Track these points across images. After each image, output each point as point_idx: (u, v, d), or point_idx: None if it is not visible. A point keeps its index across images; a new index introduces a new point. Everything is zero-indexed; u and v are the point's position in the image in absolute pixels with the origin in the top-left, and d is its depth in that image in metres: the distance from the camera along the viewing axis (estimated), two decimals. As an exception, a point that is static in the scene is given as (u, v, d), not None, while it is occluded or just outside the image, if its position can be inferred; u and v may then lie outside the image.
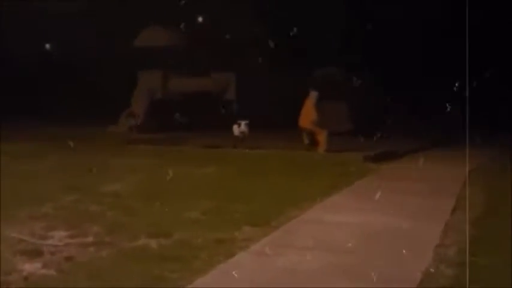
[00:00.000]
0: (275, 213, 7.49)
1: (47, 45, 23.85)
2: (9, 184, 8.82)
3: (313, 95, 15.31)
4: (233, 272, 5.09)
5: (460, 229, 6.98)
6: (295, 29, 16.33)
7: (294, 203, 8.16)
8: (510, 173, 11.32)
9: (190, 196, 8.64)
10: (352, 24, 22.63)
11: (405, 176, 11.53)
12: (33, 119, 20.64)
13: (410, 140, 17.59)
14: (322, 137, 14.82)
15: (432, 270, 5.37)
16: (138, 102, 22.30)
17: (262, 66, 21.14)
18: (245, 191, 9.17)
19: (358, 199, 8.94)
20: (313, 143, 15.05)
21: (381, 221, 7.32)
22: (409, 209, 8.21)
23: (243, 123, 16.04)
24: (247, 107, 19.67)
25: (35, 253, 5.62)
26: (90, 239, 6.16)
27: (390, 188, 9.92)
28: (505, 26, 22.66)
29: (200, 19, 23.52)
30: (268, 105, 20.34)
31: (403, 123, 20.65)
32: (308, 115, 15.02)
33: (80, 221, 6.85)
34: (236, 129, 16.10)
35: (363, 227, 7.01)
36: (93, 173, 10.46)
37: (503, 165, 13.07)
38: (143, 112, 22.05)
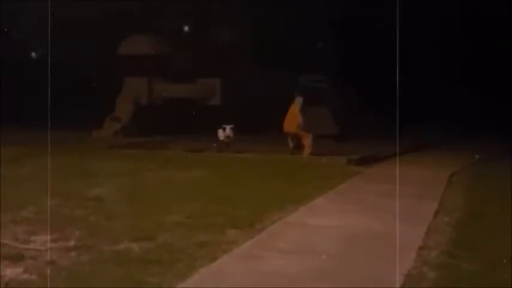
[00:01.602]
0: (259, 216, 7.49)
1: (31, 51, 23.64)
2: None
3: (298, 100, 15.38)
4: (215, 276, 5.09)
5: (442, 231, 7.04)
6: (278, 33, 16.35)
7: (278, 206, 8.16)
8: (493, 176, 11.45)
9: (174, 200, 8.61)
10: (334, 29, 22.74)
11: (388, 179, 11.55)
12: (16, 123, 20.46)
13: (393, 143, 17.64)
14: (307, 140, 14.88)
15: (414, 272, 5.40)
16: (122, 107, 22.24)
17: (246, 70, 21.21)
18: (229, 194, 9.15)
19: (342, 202, 8.97)
20: (298, 146, 15.11)
21: (364, 223, 7.36)
22: (392, 211, 8.23)
23: (228, 127, 16.03)
24: (232, 111, 19.67)
25: (16, 258, 5.57)
26: (72, 243, 6.11)
27: (373, 191, 9.97)
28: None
29: (186, 27, 23.52)
30: (252, 109, 20.36)
31: (386, 126, 20.77)
32: (293, 120, 15.07)
33: (62, 225, 6.80)
34: (221, 134, 16.09)
35: (346, 230, 7.03)
36: (76, 177, 10.41)
37: (486, 168, 13.18)
38: (127, 117, 21.99)
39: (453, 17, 24.02)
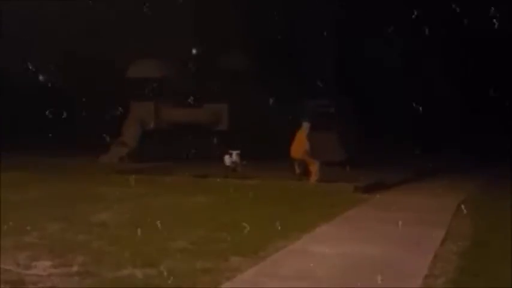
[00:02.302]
0: (263, 244, 7.43)
1: (36, 72, 23.71)
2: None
3: (305, 126, 15.35)
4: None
5: (449, 259, 6.96)
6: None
7: (282, 234, 8.10)
8: (500, 204, 11.34)
9: (179, 225, 8.56)
10: (343, 54, 22.83)
11: (396, 206, 11.48)
12: (24, 148, 20.52)
13: (401, 169, 17.61)
14: (314, 167, 14.81)
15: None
16: (128, 132, 22.27)
17: (254, 96, 21.24)
18: (234, 221, 9.08)
19: (348, 229, 8.90)
20: (305, 173, 15.03)
21: (369, 251, 7.27)
22: (398, 239, 8.16)
23: (234, 153, 16.03)
24: (238, 136, 19.68)
25: (17, 283, 5.53)
26: (74, 268, 6.07)
27: (380, 218, 9.89)
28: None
29: (194, 51, 23.64)
30: (259, 135, 20.35)
31: (394, 154, 20.82)
32: (300, 145, 15.03)
33: (65, 251, 6.76)
34: (227, 159, 16.07)
35: (351, 258, 6.96)
36: (81, 202, 10.39)
37: (493, 196, 13.07)
38: (134, 142, 22.01)
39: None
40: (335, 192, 12.78)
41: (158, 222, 8.83)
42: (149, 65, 22.79)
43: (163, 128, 22.66)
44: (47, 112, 17.09)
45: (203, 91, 22.64)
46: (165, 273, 5.95)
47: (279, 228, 8.48)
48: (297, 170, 15.16)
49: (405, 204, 11.77)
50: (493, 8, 16.73)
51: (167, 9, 21.34)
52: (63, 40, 21.81)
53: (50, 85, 23.46)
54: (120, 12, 20.88)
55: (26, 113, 23.45)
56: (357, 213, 10.46)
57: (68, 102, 23.67)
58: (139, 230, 8.12)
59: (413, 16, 17.48)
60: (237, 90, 22.21)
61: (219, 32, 22.05)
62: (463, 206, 11.39)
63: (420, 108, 18.29)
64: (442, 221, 9.59)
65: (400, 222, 9.43)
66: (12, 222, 8.20)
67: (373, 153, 19.95)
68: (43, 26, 21.05)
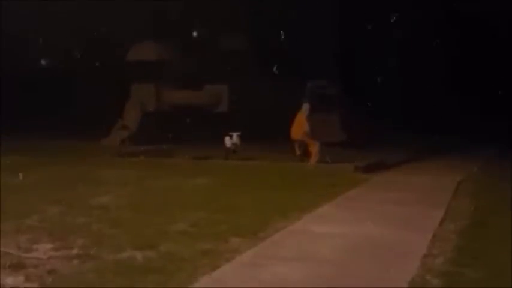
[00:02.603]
0: (263, 225, 7.46)
1: (37, 56, 23.62)
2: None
3: (305, 107, 15.35)
4: (216, 284, 5.06)
5: (448, 239, 6.99)
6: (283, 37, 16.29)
7: (282, 214, 8.13)
8: (499, 184, 11.36)
9: (179, 208, 8.58)
10: (344, 35, 22.71)
11: (395, 186, 11.52)
12: (24, 131, 20.54)
13: (401, 150, 17.63)
14: (314, 148, 14.82)
15: (418, 280, 5.35)
16: (129, 115, 22.27)
17: (254, 77, 21.18)
18: (234, 202, 9.13)
19: (348, 210, 8.92)
20: (306, 154, 15.05)
21: (371, 231, 7.29)
22: (398, 219, 8.19)
23: (235, 134, 16.01)
24: (239, 118, 19.66)
25: (18, 266, 5.56)
26: (74, 251, 6.10)
27: (380, 198, 9.92)
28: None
29: (194, 33, 23.52)
30: (260, 116, 20.32)
31: (394, 133, 20.85)
32: (300, 127, 15.03)
33: (65, 234, 6.79)
34: (228, 141, 16.07)
35: (350, 238, 6.98)
36: (82, 185, 10.42)
37: (492, 176, 13.10)
38: (135, 124, 22.02)
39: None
40: (336, 172, 12.80)
41: (158, 205, 8.91)
42: (149, 48, 22.72)
43: (164, 110, 22.65)
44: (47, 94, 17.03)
45: (203, 72, 22.59)
46: (165, 256, 5.99)
47: (279, 209, 8.52)
48: (297, 152, 15.20)
49: (405, 184, 11.80)
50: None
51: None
52: (63, 21, 21.67)
53: (50, 67, 23.37)
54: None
55: (27, 96, 23.45)
56: (357, 194, 10.48)
57: (68, 85, 23.69)
58: (139, 213, 8.18)
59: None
60: (237, 71, 22.16)
61: (218, 13, 21.91)
62: (462, 185, 11.46)
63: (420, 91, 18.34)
64: (442, 200, 9.61)
65: (400, 202, 9.50)
66: (14, 206, 8.26)
67: (373, 134, 19.95)
68: (44, 13, 20.93)
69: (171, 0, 21.95)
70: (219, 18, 22.12)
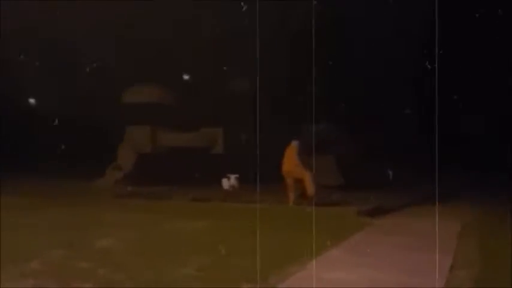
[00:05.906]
0: (273, 269, 7.29)
1: (31, 99, 23.64)
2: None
3: (294, 144, 15.16)
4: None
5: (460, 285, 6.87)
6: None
7: (291, 258, 7.96)
8: (503, 228, 11.25)
9: (183, 251, 8.41)
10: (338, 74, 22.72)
11: (400, 230, 11.39)
12: (17, 172, 20.34)
13: (401, 194, 17.52)
14: (307, 179, 14.47)
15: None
16: (123, 155, 22.13)
17: (251, 120, 21.13)
18: (240, 246, 8.95)
19: (356, 254, 8.76)
20: (302, 196, 14.76)
21: (383, 277, 7.14)
22: (407, 264, 8.05)
23: (232, 176, 15.89)
24: (234, 160, 19.55)
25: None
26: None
27: (386, 242, 9.78)
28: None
29: (187, 76, 23.62)
30: (255, 158, 20.17)
31: (394, 177, 20.71)
32: (290, 160, 14.75)
33: (70, 278, 6.59)
34: (226, 183, 15.93)
35: (362, 284, 6.83)
36: (82, 228, 10.23)
37: (496, 219, 12.99)
38: (129, 165, 21.84)
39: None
40: (338, 216, 12.65)
41: (161, 248, 8.72)
42: (145, 90, 22.74)
43: (160, 151, 22.54)
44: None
45: (198, 115, 22.56)
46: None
47: (287, 253, 8.36)
48: (291, 198, 14.85)
49: (409, 228, 11.68)
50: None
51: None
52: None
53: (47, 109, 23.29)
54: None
55: (25, 137, 23.37)
56: (363, 238, 10.32)
57: (62, 128, 23.57)
58: (143, 257, 7.99)
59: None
60: (232, 113, 22.14)
61: (213, 54, 21.98)
62: (467, 229, 11.34)
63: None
64: (448, 247, 9.46)
65: (406, 247, 9.37)
66: (14, 248, 8.05)
67: (371, 175, 19.80)
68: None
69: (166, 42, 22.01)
70: (213, 60, 22.19)
